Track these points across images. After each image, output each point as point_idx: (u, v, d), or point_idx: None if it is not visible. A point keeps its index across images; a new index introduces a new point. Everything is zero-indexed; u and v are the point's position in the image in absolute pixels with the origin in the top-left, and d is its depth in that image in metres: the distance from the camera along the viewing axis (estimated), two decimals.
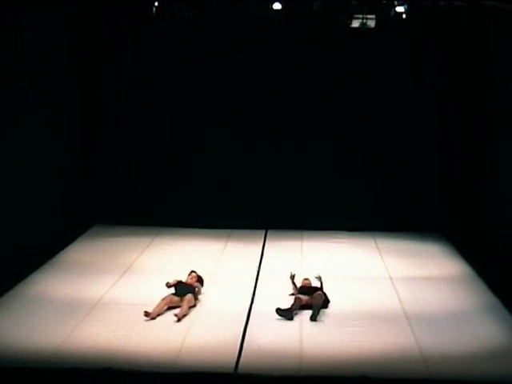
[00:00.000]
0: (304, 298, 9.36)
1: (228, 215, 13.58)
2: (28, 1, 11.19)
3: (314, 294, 9.37)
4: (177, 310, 9.12)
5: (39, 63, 11.63)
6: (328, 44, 13.47)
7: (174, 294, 9.42)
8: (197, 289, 9.67)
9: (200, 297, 9.82)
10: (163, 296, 9.36)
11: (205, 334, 8.56)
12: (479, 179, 13.31)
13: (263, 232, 13.37)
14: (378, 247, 12.61)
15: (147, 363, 7.69)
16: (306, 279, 10.01)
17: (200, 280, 9.97)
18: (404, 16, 13.05)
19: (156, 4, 13.08)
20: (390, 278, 10.92)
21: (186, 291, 9.41)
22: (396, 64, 13.47)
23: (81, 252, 11.97)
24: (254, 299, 9.81)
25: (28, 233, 11.29)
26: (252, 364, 7.77)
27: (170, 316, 9.10)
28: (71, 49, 13.14)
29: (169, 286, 9.57)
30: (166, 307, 9.24)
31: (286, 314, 9.06)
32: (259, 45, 13.56)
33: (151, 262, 11.49)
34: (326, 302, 9.44)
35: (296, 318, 9.07)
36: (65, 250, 11.99)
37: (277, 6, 13.00)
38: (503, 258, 11.39)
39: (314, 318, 9.03)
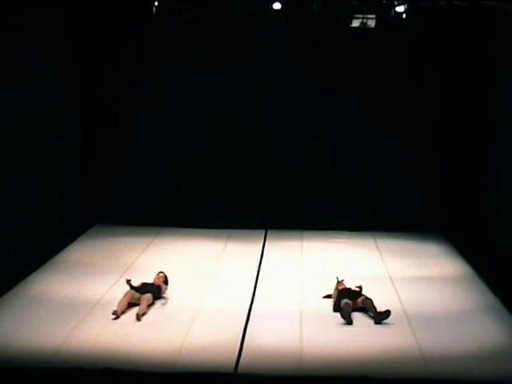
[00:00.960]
0: (350, 302, 9.25)
1: (228, 215, 13.57)
2: (28, 1, 11.18)
3: (361, 299, 9.30)
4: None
5: (39, 63, 11.61)
6: (328, 44, 13.46)
7: (136, 291, 9.41)
8: (163, 288, 9.69)
9: (200, 297, 9.82)
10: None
11: (205, 333, 8.54)
12: (479, 179, 13.29)
13: (263, 232, 13.35)
14: (377, 247, 12.61)
15: (147, 363, 7.68)
16: (340, 282, 9.95)
17: (165, 280, 9.98)
18: (404, 16, 13.04)
19: (156, 4, 13.07)
20: (390, 278, 10.92)
21: (148, 291, 9.41)
22: (396, 64, 13.46)
23: (81, 252, 11.96)
24: (254, 299, 9.80)
25: (28, 233, 11.27)
26: (252, 364, 7.75)
27: (169, 316, 9.11)
28: (71, 49, 13.12)
29: (128, 283, 9.50)
30: (127, 303, 9.20)
31: (348, 319, 8.92)
32: (259, 45, 13.54)
33: (151, 262, 11.46)
34: None
35: (296, 318, 9.06)
36: (65, 250, 11.98)
37: (277, 5, 13.00)
38: (503, 258, 11.37)
39: (379, 321, 8.95)
